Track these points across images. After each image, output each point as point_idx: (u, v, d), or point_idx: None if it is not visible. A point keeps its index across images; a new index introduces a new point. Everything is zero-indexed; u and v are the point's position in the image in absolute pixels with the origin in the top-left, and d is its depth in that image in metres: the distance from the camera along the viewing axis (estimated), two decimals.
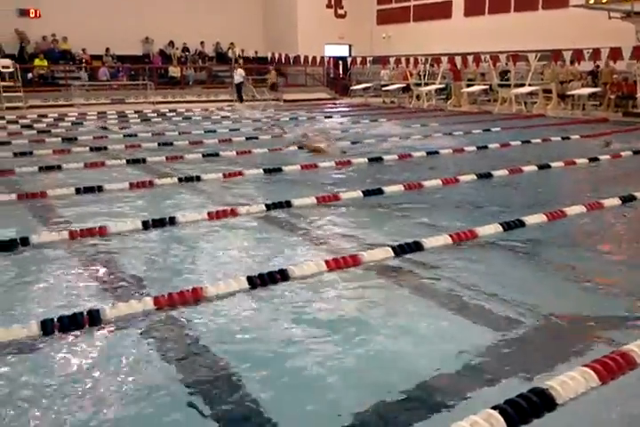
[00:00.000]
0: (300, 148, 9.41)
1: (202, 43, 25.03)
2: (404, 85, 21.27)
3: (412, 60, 21.13)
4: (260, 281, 3.63)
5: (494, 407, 2.21)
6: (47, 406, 2.40)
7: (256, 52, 25.96)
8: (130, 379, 2.62)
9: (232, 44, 25.19)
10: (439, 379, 2.58)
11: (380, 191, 6.14)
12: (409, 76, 21.59)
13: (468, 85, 19.28)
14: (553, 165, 7.67)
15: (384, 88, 21.89)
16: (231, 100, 20.71)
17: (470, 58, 18.80)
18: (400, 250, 4.13)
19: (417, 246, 4.20)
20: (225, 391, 2.51)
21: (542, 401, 2.29)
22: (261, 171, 7.35)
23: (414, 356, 2.80)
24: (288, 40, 25.36)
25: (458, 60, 19.08)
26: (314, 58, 23.95)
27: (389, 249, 4.13)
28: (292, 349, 2.88)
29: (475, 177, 6.88)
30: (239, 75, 20.99)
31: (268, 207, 5.50)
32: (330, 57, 25.15)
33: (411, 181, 6.53)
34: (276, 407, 2.38)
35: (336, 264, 3.90)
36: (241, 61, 23.89)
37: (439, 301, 3.44)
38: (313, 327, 3.10)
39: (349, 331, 3.05)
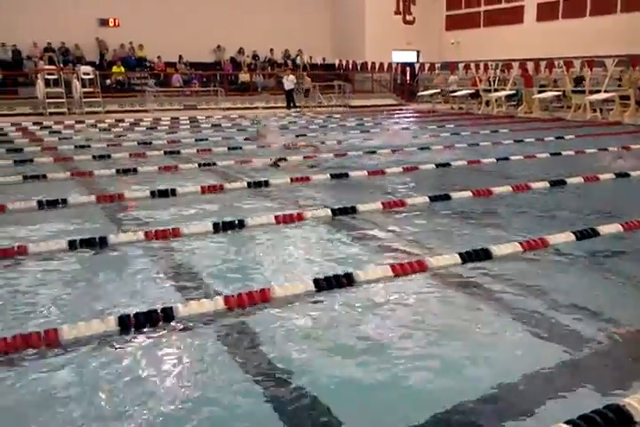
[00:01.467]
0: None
1: (271, 50, 25.52)
2: (473, 91, 20.95)
3: (481, 65, 20.79)
4: (326, 284, 3.67)
5: (567, 422, 2.16)
6: (118, 398, 2.52)
7: (324, 59, 26.20)
8: (197, 375, 2.70)
9: (300, 50, 25.53)
10: (510, 392, 2.53)
11: (447, 197, 6.08)
12: (478, 81, 21.25)
13: (540, 91, 18.77)
14: (632, 173, 7.37)
15: (452, 94, 21.62)
16: (298, 107, 20.94)
17: (543, 63, 18.31)
18: (468, 257, 4.08)
19: (485, 254, 4.14)
20: (288, 388, 2.56)
21: (619, 418, 2.21)
22: (328, 176, 7.42)
23: (483, 368, 2.76)
24: (356, 46, 25.47)
25: (530, 65, 18.62)
26: (381, 64, 23.95)
27: (457, 256, 4.08)
28: (355, 351, 2.90)
29: (547, 184, 6.70)
30: (290, 81, 20.87)
31: (334, 212, 5.54)
32: (397, 63, 25.08)
33: (479, 187, 6.43)
34: (339, 406, 2.41)
35: (402, 269, 3.89)
36: (285, 67, 24.01)
37: (508, 311, 3.37)
38: (376, 331, 3.11)
39: (415, 338, 3.04)
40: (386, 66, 24.09)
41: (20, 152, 9.83)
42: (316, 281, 3.67)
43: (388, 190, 6.74)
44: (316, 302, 3.51)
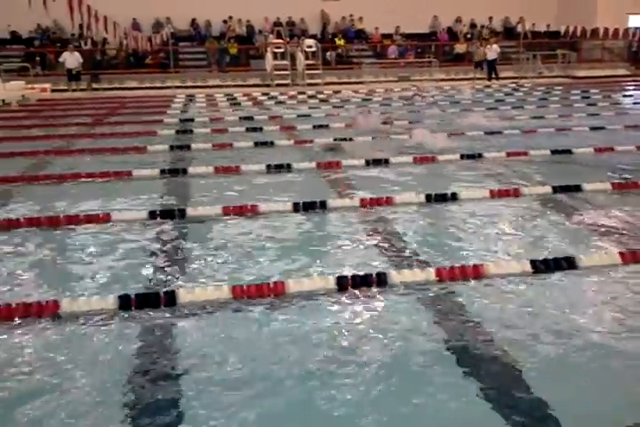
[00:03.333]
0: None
1: (490, 18, 24.37)
2: None
3: None
4: (544, 266, 3.52)
5: None
6: (330, 347, 2.72)
7: (547, 26, 24.32)
8: (396, 340, 2.79)
9: (521, 18, 23.97)
10: None
11: None
12: None
13: None
14: None
15: None
16: (515, 78, 19.79)
17: None
18: None
19: None
20: (487, 361, 2.55)
21: None
22: (548, 152, 7.01)
23: None
24: (585, 11, 23.18)
25: None
26: (615, 30, 21.57)
27: None
28: (567, 339, 2.76)
29: None
30: (493, 50, 19.30)
31: (555, 190, 5.24)
32: (636, 28, 22.36)
33: None
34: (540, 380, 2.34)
35: (633, 258, 3.57)
36: (488, 36, 22.35)
37: None
38: (591, 320, 2.94)
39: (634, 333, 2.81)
40: (621, 32, 21.63)
41: (251, 120, 10.79)
42: (532, 262, 3.54)
43: (617, 170, 6.16)
44: (530, 284, 3.39)
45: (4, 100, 13.11)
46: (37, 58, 20.08)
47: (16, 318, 2.99)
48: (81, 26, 20.37)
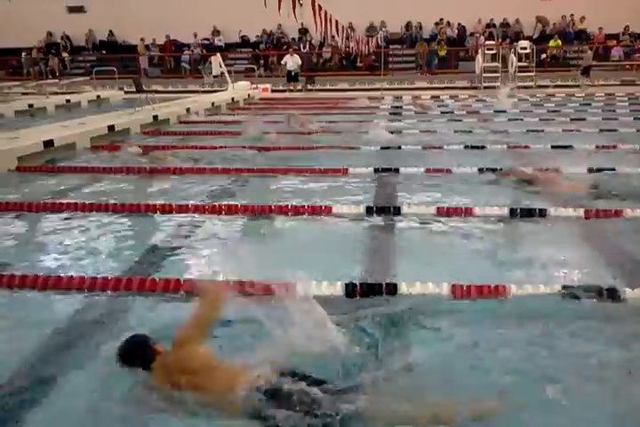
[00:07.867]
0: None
1: None
2: None
3: None
4: None
5: None
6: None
7: None
8: None
9: None
10: None
11: None
12: None
13: None
14: None
15: None
16: None
17: None
18: None
19: None
20: None
21: None
22: None
23: None
24: None
25: None
26: None
27: None
28: None
29: None
30: None
31: None
32: None
33: None
34: None
35: None
36: None
37: None
38: None
39: None
40: None
41: (459, 122, 10.68)
42: None
43: None
44: None
45: (233, 99, 14.50)
46: (261, 60, 21.91)
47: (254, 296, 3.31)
48: (300, 30, 21.89)
